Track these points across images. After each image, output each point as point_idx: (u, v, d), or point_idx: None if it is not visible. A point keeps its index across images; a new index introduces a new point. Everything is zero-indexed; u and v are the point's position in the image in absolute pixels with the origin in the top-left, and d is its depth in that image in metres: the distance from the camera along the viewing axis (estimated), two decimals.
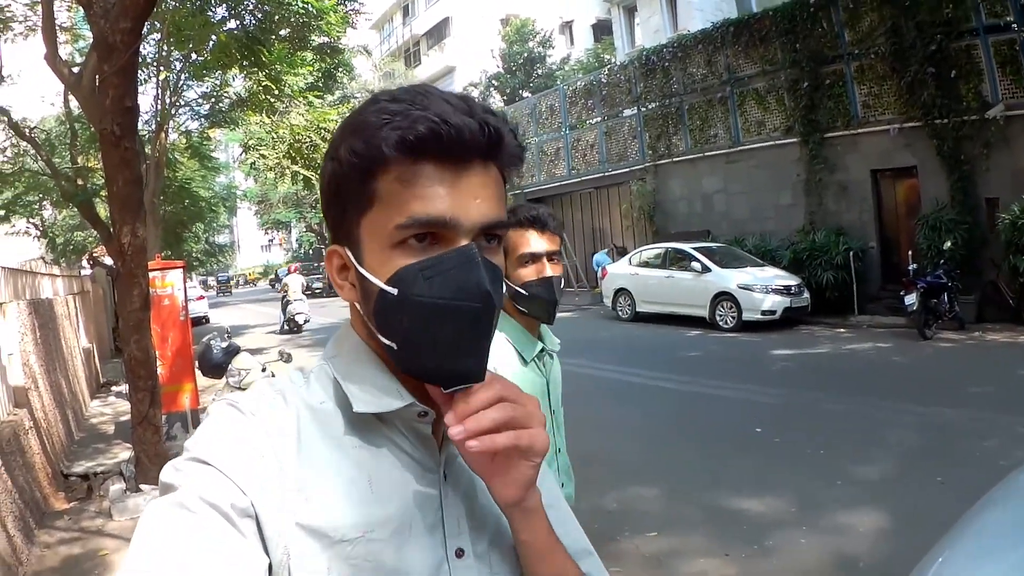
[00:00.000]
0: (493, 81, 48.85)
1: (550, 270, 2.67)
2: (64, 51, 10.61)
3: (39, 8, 14.09)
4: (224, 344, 11.42)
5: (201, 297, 34.63)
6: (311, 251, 74.31)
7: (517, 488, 1.10)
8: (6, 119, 16.53)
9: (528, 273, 2.65)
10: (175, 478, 0.99)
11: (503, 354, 2.66)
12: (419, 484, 1.12)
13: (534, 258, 2.66)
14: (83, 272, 21.94)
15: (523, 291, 2.65)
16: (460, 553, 1.14)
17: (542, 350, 2.79)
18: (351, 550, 1.03)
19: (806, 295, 19.11)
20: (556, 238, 2.72)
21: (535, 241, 2.66)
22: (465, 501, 1.18)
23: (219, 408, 1.09)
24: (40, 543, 7.18)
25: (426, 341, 1.03)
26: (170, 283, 12.48)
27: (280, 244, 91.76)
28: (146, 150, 17.49)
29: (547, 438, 1.09)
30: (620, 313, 22.55)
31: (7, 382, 8.35)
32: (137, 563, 0.90)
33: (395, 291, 1.02)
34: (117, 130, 6.92)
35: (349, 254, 1.09)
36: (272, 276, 70.20)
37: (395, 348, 1.06)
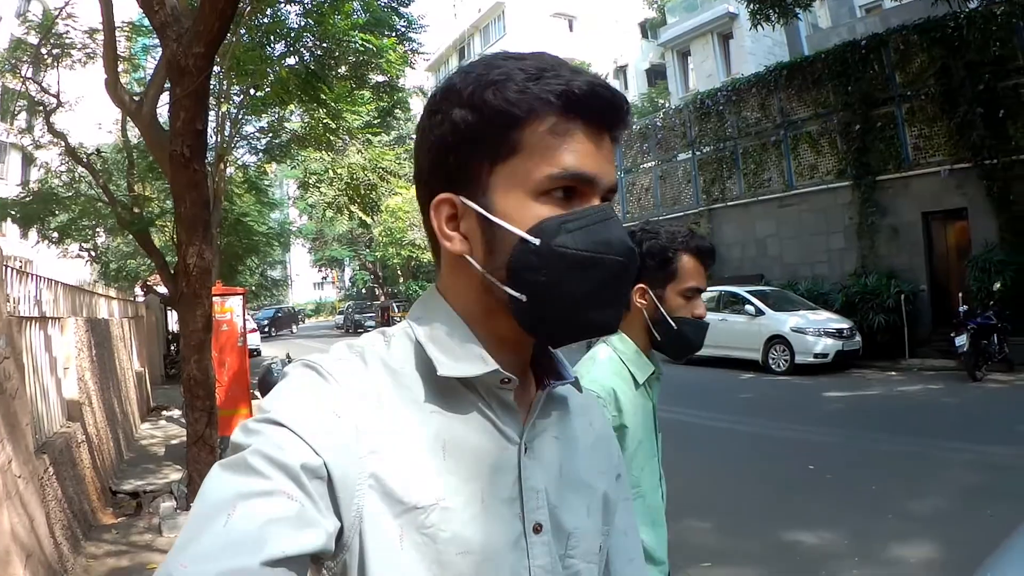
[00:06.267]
0: None
1: (703, 308, 2.54)
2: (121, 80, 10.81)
3: (98, 36, 14.39)
4: (286, 369, 11.73)
5: (254, 330, 34.68)
6: (364, 290, 74.45)
7: None
8: (63, 144, 16.85)
9: (683, 306, 2.51)
10: (245, 438, 0.97)
11: (620, 373, 2.56)
12: (499, 453, 1.11)
13: (697, 294, 2.52)
14: (138, 299, 22.14)
15: (672, 323, 2.50)
16: (538, 528, 1.12)
17: (652, 373, 2.60)
18: (424, 518, 1.01)
19: (858, 338, 19.06)
20: None
21: (702, 276, 2.53)
22: (546, 476, 1.16)
23: (296, 369, 1.09)
24: (86, 553, 7.24)
25: (563, 293, 1.05)
26: (229, 309, 12.65)
27: (333, 282, 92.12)
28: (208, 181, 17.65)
29: None
30: None
31: (62, 395, 8.46)
32: (196, 522, 0.88)
33: (537, 241, 1.04)
34: (187, 152, 7.01)
35: (470, 203, 1.09)
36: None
37: (523, 300, 1.07)
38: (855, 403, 14.64)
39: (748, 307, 20.24)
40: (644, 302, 2.57)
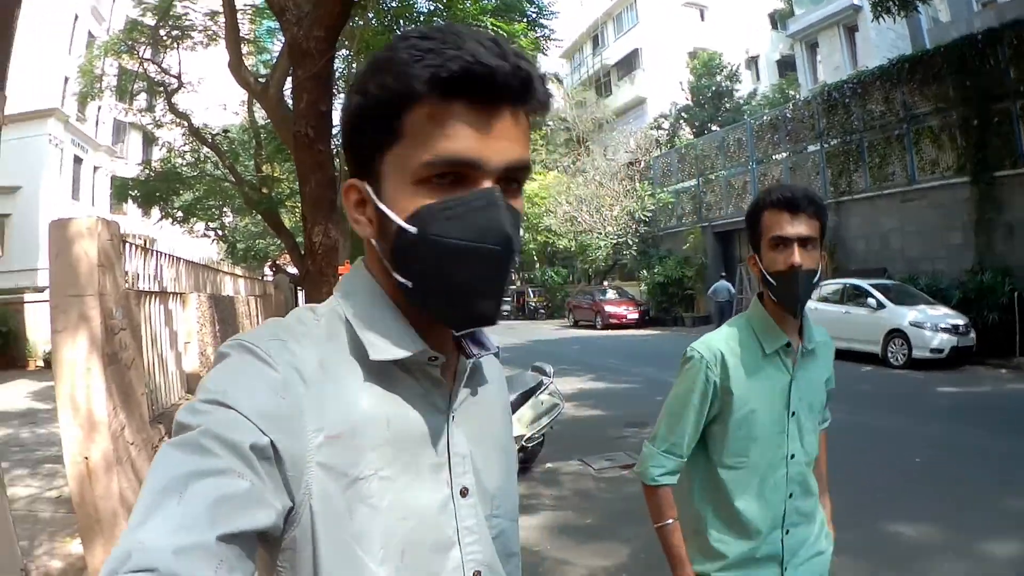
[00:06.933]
0: (683, 113, 48.50)
1: (798, 257, 2.45)
2: (246, 62, 10.92)
3: (219, 18, 14.66)
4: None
5: None
6: None
7: None
8: (186, 124, 17.17)
9: (776, 259, 2.48)
10: (192, 419, 0.97)
11: (740, 340, 2.59)
12: (429, 424, 1.15)
13: (783, 242, 2.46)
14: (266, 278, 22.54)
15: (771, 279, 2.50)
16: (465, 492, 1.18)
17: (788, 344, 2.59)
18: (366, 487, 1.05)
19: (972, 335, 18.67)
20: (815, 223, 2.48)
21: (786, 223, 2.46)
22: (471, 443, 1.21)
23: (233, 349, 1.08)
24: None
25: (442, 282, 1.06)
26: None
27: None
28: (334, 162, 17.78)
29: None
30: None
31: (182, 367, 8.72)
32: (150, 500, 0.88)
33: (414, 230, 1.04)
34: (311, 132, 7.05)
35: (368, 189, 1.11)
36: None
37: (409, 287, 1.09)
38: (966, 400, 14.42)
39: (870, 300, 19.92)
40: (756, 270, 2.59)
